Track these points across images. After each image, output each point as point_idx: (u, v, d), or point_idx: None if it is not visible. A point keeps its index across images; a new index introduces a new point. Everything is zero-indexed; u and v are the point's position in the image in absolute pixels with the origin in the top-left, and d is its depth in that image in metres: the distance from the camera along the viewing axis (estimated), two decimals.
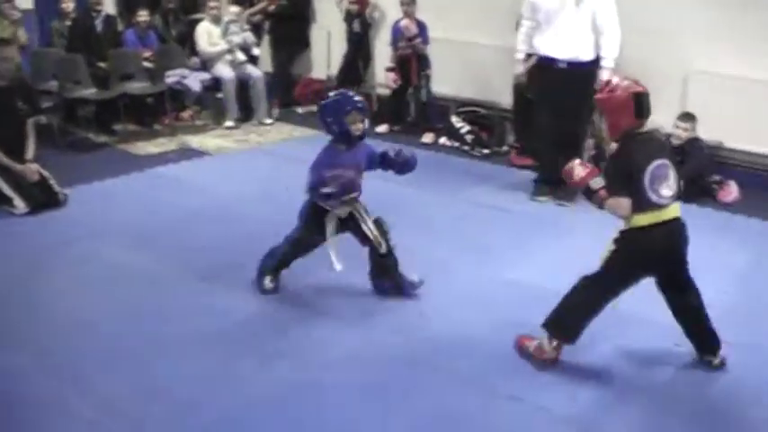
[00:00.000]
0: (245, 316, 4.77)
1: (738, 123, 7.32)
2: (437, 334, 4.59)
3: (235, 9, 9.90)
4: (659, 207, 3.90)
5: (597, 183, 4.03)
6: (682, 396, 4.04)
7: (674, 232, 4.01)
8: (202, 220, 6.28)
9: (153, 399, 3.88)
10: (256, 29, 10.35)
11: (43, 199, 6.46)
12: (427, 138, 9.12)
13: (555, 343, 4.20)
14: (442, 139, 8.89)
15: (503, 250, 5.78)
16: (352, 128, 4.55)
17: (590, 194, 4.07)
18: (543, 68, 6.86)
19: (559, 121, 6.83)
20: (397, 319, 4.75)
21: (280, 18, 10.61)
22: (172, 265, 5.43)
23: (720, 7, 7.44)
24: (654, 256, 4.02)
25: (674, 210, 3.98)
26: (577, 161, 4.20)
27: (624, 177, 3.93)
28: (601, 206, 4.05)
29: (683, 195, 4.35)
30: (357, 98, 4.64)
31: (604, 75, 6.58)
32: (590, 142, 7.41)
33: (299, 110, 10.54)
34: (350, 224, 4.77)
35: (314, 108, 10.43)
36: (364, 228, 4.75)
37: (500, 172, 7.97)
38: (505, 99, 8.47)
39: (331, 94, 4.79)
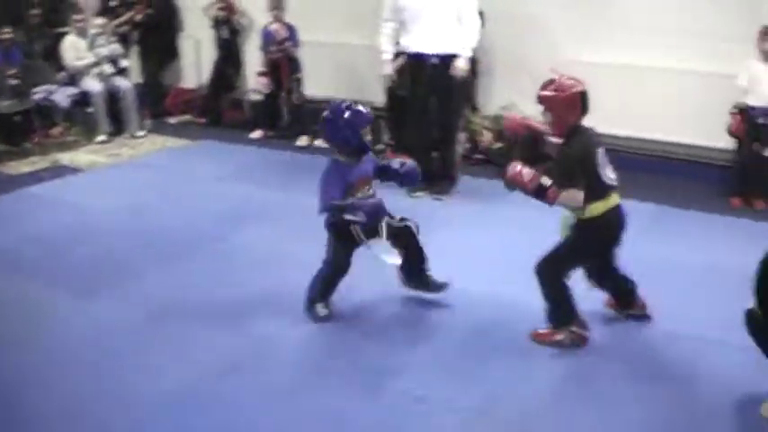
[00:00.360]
0: (130, 330, 4.70)
1: (611, 109, 7.57)
2: (331, 334, 4.69)
3: (100, 21, 9.72)
4: (611, 189, 4.24)
5: (547, 181, 4.20)
6: (574, 382, 4.22)
7: (621, 216, 4.36)
8: (77, 238, 6.16)
9: (65, 420, 3.83)
10: (124, 40, 10.20)
11: None
12: (302, 141, 9.17)
13: (574, 328, 4.42)
14: (318, 142, 8.91)
15: None
16: (366, 140, 4.63)
17: (542, 192, 4.21)
18: (414, 66, 6.96)
19: (432, 116, 6.96)
20: (285, 321, 4.79)
21: (147, 28, 10.50)
22: (48, 286, 5.31)
23: None
24: (610, 239, 4.40)
25: (617, 195, 4.31)
26: (517, 164, 4.26)
27: (579, 168, 4.18)
28: (551, 202, 4.23)
29: None
30: (368, 111, 4.69)
31: (461, 63, 6.77)
32: (462, 136, 7.56)
33: (171, 120, 10.45)
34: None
35: (186, 117, 10.39)
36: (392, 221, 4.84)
37: None
38: (379, 98, 8.55)
39: (342, 107, 4.69)
